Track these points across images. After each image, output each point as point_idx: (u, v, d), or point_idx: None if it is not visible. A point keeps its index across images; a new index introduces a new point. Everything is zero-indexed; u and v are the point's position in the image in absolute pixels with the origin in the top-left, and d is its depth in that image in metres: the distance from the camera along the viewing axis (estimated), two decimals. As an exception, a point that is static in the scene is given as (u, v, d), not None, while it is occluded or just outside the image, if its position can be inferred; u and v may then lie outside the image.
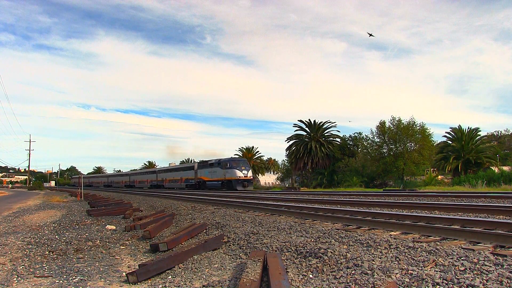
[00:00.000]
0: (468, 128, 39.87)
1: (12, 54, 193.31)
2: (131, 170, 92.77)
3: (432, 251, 4.12)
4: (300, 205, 11.41)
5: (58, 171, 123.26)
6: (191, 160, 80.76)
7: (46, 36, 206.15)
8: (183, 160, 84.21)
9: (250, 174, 35.28)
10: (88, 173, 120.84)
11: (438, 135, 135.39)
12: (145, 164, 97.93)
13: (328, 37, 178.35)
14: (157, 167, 74.41)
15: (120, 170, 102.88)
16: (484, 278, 3.11)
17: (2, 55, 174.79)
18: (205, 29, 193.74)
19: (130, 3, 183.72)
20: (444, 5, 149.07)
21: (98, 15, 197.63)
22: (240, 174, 34.25)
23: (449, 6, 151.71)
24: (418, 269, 3.55)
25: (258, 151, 62.48)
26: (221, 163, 36.88)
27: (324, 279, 3.68)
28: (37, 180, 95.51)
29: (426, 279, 3.17)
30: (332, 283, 3.52)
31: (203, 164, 41.43)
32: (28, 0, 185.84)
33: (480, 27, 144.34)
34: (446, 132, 43.43)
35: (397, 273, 3.46)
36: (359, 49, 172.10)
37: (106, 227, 9.59)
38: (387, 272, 3.49)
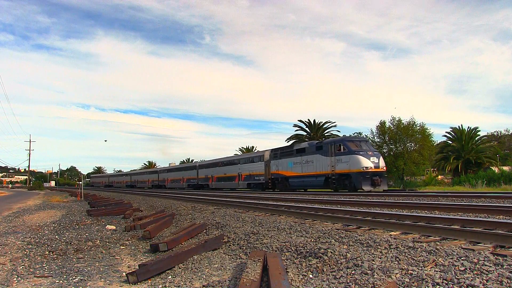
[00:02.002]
0: (468, 128, 39.89)
1: (11, 54, 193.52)
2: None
3: (432, 251, 4.12)
4: (300, 205, 11.41)
5: (58, 171, 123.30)
6: (191, 160, 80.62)
7: (45, 36, 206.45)
8: (183, 160, 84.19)
9: (382, 162, 21.58)
10: (88, 173, 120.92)
11: (438, 135, 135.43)
12: (145, 164, 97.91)
13: (327, 37, 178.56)
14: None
15: (120, 170, 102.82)
16: (484, 278, 3.11)
17: (1, 55, 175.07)
18: (204, 29, 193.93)
19: (129, 3, 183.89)
20: (443, 5, 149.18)
21: (97, 15, 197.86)
22: (367, 163, 20.53)
23: (448, 6, 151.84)
24: (418, 269, 3.55)
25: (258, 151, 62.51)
26: (324, 146, 23.39)
27: (324, 279, 3.68)
28: (37, 180, 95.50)
29: (426, 279, 3.17)
30: (332, 283, 3.52)
31: (284, 151, 28.31)
32: (27, 0, 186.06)
33: (479, 27, 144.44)
34: (446, 132, 43.48)
35: (397, 273, 3.46)
36: (358, 49, 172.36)
37: (106, 227, 9.58)
38: (387, 272, 3.49)
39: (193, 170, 45.58)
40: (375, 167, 20.76)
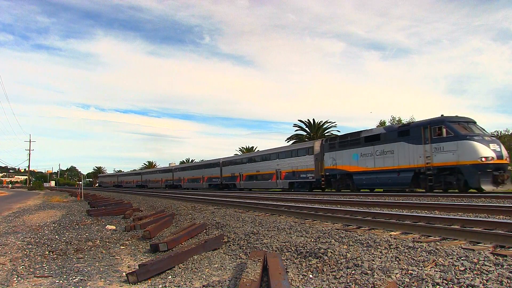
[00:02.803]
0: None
1: (10, 54, 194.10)
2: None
3: (432, 251, 4.12)
4: (300, 205, 11.41)
5: (58, 171, 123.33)
6: (191, 160, 79.41)
7: (44, 36, 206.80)
8: (183, 160, 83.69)
9: (505, 151, 15.63)
10: (88, 173, 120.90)
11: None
12: (144, 164, 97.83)
13: (326, 37, 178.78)
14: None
15: (121, 170, 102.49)
16: (484, 278, 3.11)
17: (1, 55, 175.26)
18: (204, 29, 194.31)
19: (128, 3, 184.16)
20: (442, 5, 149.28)
21: (96, 15, 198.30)
22: (486, 151, 14.85)
23: (448, 6, 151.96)
24: (418, 269, 3.55)
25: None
26: (413, 130, 17.63)
27: (324, 279, 3.68)
28: (37, 180, 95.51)
29: (426, 279, 3.17)
30: (332, 283, 3.52)
31: (344, 140, 22.36)
32: (27, 0, 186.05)
33: (478, 27, 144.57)
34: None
35: (397, 273, 3.46)
36: (358, 49, 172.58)
37: (106, 227, 9.58)
38: (387, 272, 3.49)
39: (216, 167, 39.39)
40: (498, 158, 14.82)
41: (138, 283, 4.25)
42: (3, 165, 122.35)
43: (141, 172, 66.77)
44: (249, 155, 36.05)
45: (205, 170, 41.79)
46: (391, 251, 4.37)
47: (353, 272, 3.68)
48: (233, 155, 40.00)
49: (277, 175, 28.87)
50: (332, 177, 23.21)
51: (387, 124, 35.74)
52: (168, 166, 58.92)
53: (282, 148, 31.06)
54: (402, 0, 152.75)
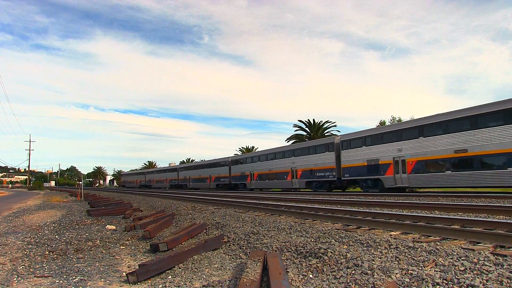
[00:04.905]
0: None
1: (10, 54, 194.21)
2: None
3: (432, 251, 4.12)
4: (300, 205, 11.41)
5: (58, 171, 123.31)
6: (191, 160, 78.79)
7: (43, 36, 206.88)
8: (183, 160, 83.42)
9: None
10: (88, 173, 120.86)
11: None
12: (145, 164, 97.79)
13: (325, 37, 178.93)
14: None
15: (121, 170, 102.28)
16: (484, 278, 3.11)
17: (0, 55, 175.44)
18: (203, 29, 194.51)
19: (127, 4, 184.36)
20: (441, 5, 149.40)
21: (95, 15, 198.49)
22: None
23: (447, 6, 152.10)
24: (418, 269, 3.55)
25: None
26: None
27: (324, 279, 3.68)
28: (37, 180, 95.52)
29: (426, 279, 3.17)
30: (332, 283, 3.52)
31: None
32: (25, 0, 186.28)
33: (477, 27, 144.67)
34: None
35: (397, 273, 3.46)
36: (357, 49, 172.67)
37: (106, 227, 9.58)
38: (387, 272, 3.49)
39: (224, 166, 36.83)
40: None
41: (138, 283, 4.25)
42: (3, 165, 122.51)
43: (144, 172, 62.63)
44: (261, 152, 32.59)
45: (213, 169, 39.15)
46: (391, 251, 4.36)
47: (353, 272, 3.68)
48: (242, 153, 37.50)
49: (293, 174, 26.61)
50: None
51: (387, 124, 35.82)
52: (171, 165, 56.17)
53: (298, 145, 29.13)
54: (401, 0, 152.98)
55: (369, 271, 3.59)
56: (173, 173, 48.34)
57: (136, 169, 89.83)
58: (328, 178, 23.51)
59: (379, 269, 3.61)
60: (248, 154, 35.67)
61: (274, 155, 29.45)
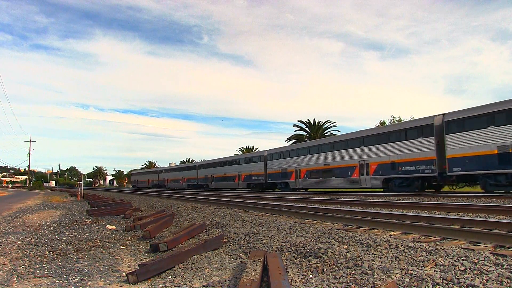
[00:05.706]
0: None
1: (9, 54, 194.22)
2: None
3: (432, 251, 4.12)
4: (300, 205, 11.41)
5: (58, 171, 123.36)
6: (191, 160, 78.38)
7: (43, 36, 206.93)
8: (183, 160, 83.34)
9: None
10: (88, 173, 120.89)
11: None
12: (145, 164, 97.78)
13: (325, 37, 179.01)
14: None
15: (120, 170, 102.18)
16: (484, 278, 3.11)
17: (0, 55, 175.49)
18: (202, 29, 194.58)
19: (127, 4, 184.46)
20: (441, 5, 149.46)
21: (95, 15, 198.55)
22: None
23: (446, 6, 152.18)
24: (418, 269, 3.55)
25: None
26: None
27: (324, 279, 3.68)
28: (37, 180, 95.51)
29: (426, 279, 3.17)
30: (332, 283, 3.52)
31: None
32: (25, 0, 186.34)
33: (477, 27, 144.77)
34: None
35: (397, 273, 3.46)
36: (357, 49, 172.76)
37: (106, 227, 9.58)
38: (387, 272, 3.49)
39: (258, 162, 31.63)
40: None
41: (138, 283, 4.25)
42: (3, 165, 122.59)
43: (157, 171, 56.82)
44: (312, 143, 27.01)
45: (242, 166, 33.56)
46: (391, 251, 4.36)
47: (353, 272, 3.68)
48: (283, 146, 30.61)
49: (362, 169, 21.33)
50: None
51: (387, 124, 35.83)
52: (171, 165, 53.73)
53: (369, 131, 22.12)
54: (401, 0, 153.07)
55: (369, 271, 3.59)
56: (192, 171, 42.78)
57: (147, 166, 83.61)
58: (422, 173, 17.98)
59: (379, 269, 3.61)
60: (292, 146, 29.95)
61: (332, 146, 24.18)
